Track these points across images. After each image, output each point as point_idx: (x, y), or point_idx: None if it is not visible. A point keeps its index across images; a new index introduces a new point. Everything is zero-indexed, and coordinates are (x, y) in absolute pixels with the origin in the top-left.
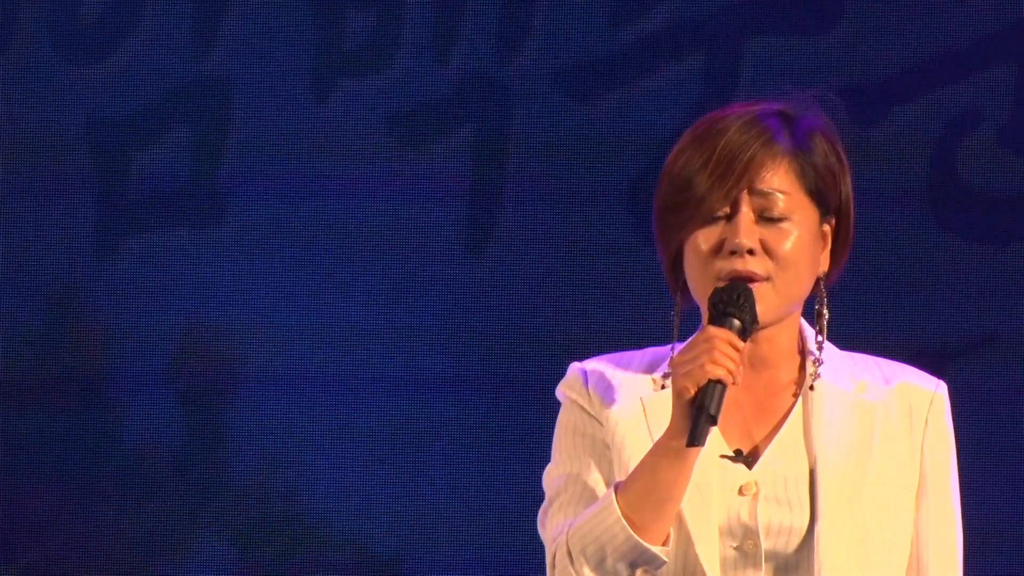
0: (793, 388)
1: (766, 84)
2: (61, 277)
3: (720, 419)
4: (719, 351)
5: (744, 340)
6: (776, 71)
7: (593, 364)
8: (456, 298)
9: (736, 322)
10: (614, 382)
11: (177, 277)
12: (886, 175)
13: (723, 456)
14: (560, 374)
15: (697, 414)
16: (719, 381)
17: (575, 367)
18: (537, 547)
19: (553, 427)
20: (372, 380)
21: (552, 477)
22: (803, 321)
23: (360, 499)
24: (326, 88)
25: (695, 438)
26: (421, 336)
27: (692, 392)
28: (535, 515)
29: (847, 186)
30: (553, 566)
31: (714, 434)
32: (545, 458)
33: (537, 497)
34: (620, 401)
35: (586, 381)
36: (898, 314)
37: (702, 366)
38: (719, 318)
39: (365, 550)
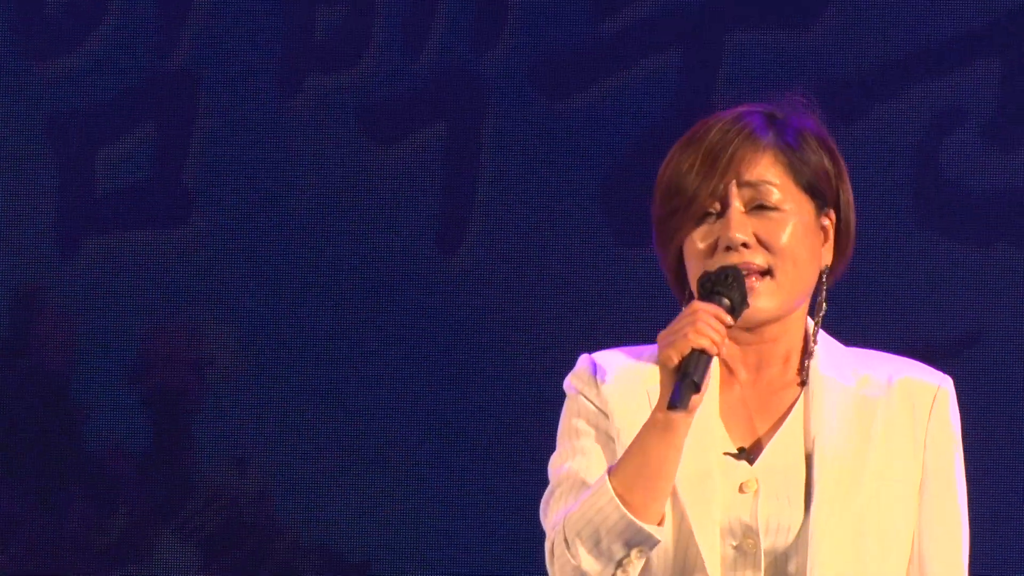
0: (796, 386)
1: (746, 79)
2: (23, 277)
3: (726, 417)
4: (702, 321)
5: (734, 319)
6: (756, 66)
7: (602, 355)
8: (428, 297)
9: (725, 300)
10: (621, 374)
11: (142, 277)
12: (868, 173)
13: (727, 454)
14: (533, 373)
15: (680, 379)
16: (703, 351)
17: (584, 358)
18: (512, 549)
19: (527, 427)
20: (342, 382)
21: (556, 466)
22: (809, 321)
23: (331, 503)
24: (294, 84)
25: (676, 402)
26: (392, 337)
27: (676, 361)
28: (510, 518)
29: (845, 183)
30: (551, 554)
31: (720, 432)
32: (519, 459)
33: (512, 499)
34: (627, 393)
35: (594, 372)
36: (880, 315)
37: (685, 336)
38: (707, 297)
39: (335, 555)
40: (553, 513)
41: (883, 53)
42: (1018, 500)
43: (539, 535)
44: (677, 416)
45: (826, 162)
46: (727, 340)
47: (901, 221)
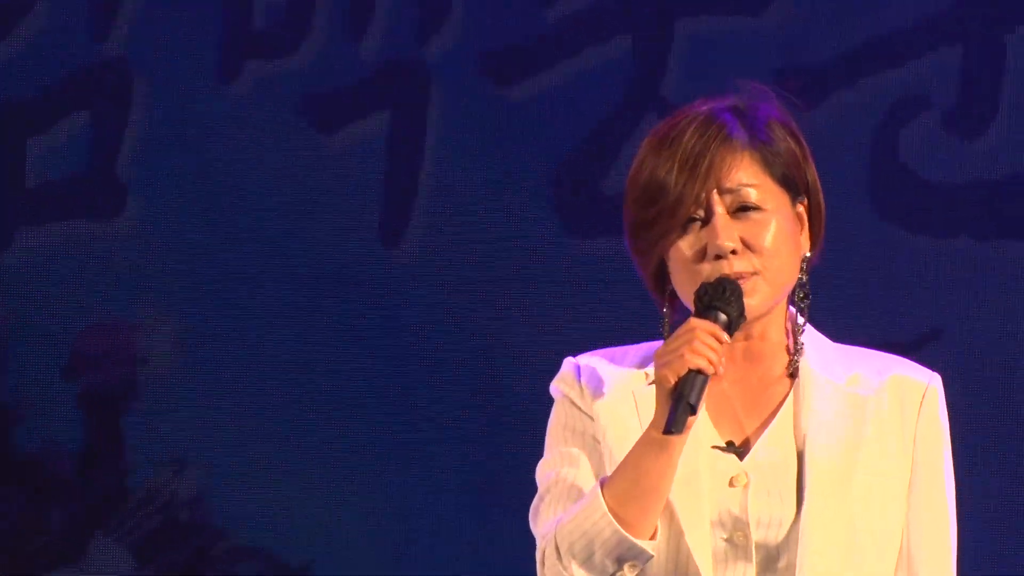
0: (786, 381)
1: (698, 67)
2: None
3: (713, 412)
4: (700, 341)
5: (731, 334)
6: (708, 54)
7: (586, 359)
8: (369, 292)
9: (722, 316)
10: (607, 376)
11: (76, 272)
12: (824, 163)
13: (715, 447)
14: (478, 369)
15: (676, 402)
16: (700, 371)
17: (569, 361)
18: (454, 554)
19: (467, 422)
20: (282, 379)
21: (544, 472)
22: (793, 312)
23: (270, 505)
24: (233, 71)
25: (672, 425)
26: (331, 333)
27: (672, 381)
28: (453, 520)
29: (811, 164)
30: (542, 563)
31: (707, 426)
32: (466, 458)
33: (456, 501)
34: (612, 395)
35: (579, 375)
36: (838, 309)
37: (682, 356)
38: (704, 311)
39: (276, 559)
40: (543, 520)
41: (840, 39)
42: (978, 494)
43: (488, 534)
44: (672, 436)
45: (793, 147)
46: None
47: (859, 213)
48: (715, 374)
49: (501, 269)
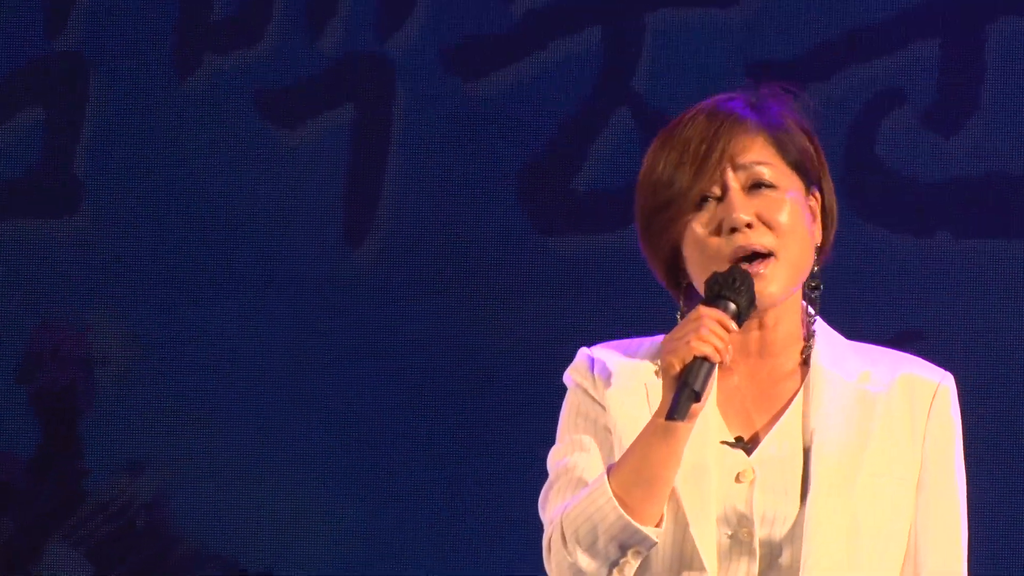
0: (797, 376)
1: (670, 61)
2: None
3: (724, 406)
4: (707, 328)
5: (739, 323)
6: (680, 46)
7: (600, 349)
8: (332, 293)
9: (732, 305)
10: (619, 367)
11: (30, 270)
12: None
13: (723, 442)
14: (443, 376)
15: (680, 389)
16: (706, 358)
17: (583, 352)
18: (417, 559)
19: (431, 425)
20: (240, 380)
21: (555, 460)
22: (805, 304)
23: (229, 509)
24: (191, 64)
25: (674, 412)
26: (293, 335)
27: (677, 368)
28: (416, 526)
29: (825, 167)
30: (549, 549)
31: (717, 420)
32: (433, 462)
33: (422, 505)
34: (624, 386)
35: (592, 366)
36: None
37: (688, 343)
38: (713, 300)
39: (235, 564)
40: (551, 507)
41: (816, 32)
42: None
43: (453, 540)
44: (677, 423)
45: (805, 140)
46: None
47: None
48: (722, 362)
49: (468, 269)
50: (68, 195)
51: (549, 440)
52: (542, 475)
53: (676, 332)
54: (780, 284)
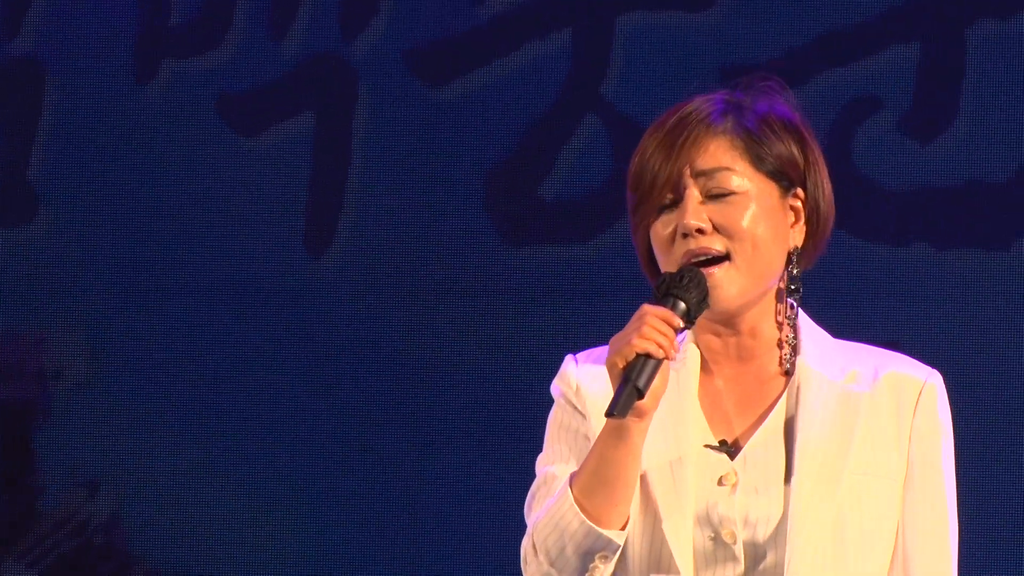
0: (781, 378)
1: (640, 65)
2: None
3: (708, 410)
4: (648, 325)
5: (691, 321)
6: (651, 51)
7: (585, 355)
8: (294, 304)
9: (680, 303)
10: (601, 374)
11: None
12: None
13: (707, 446)
14: (405, 388)
15: (622, 386)
16: (649, 355)
17: (568, 359)
18: (375, 564)
19: (403, 443)
20: (201, 395)
21: (538, 469)
22: (784, 306)
23: (187, 529)
24: (149, 69)
25: (615, 408)
26: (254, 347)
27: (620, 366)
28: (375, 540)
29: (816, 166)
30: (525, 562)
31: (700, 424)
32: (392, 476)
33: (380, 519)
34: (604, 393)
35: (574, 373)
36: None
37: (629, 341)
38: (662, 299)
39: None
40: (533, 515)
41: (789, 36)
42: None
43: (415, 551)
44: (628, 422)
45: (792, 147)
46: (710, 334)
47: None
48: (667, 357)
49: (432, 279)
50: (24, 204)
51: (512, 446)
52: (502, 481)
53: (623, 331)
54: (736, 287)
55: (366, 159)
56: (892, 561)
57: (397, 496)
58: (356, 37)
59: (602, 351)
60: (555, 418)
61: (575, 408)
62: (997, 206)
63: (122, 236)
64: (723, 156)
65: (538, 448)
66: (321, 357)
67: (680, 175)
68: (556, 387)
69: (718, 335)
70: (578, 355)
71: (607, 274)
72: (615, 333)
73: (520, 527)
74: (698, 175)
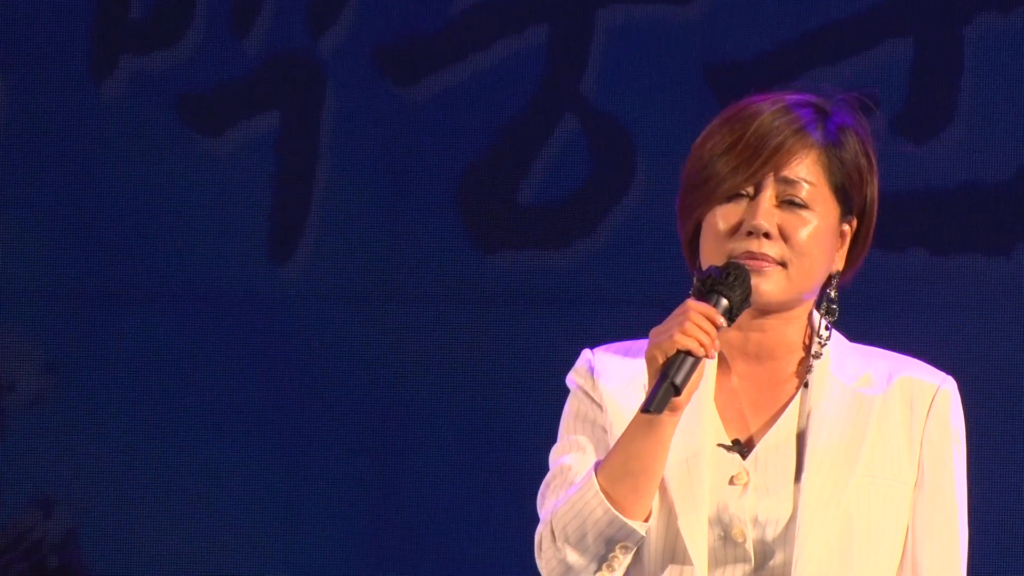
0: (796, 381)
1: (620, 62)
2: None
3: (722, 408)
4: (692, 322)
5: (731, 320)
6: (632, 47)
7: (601, 350)
8: (257, 312)
9: (724, 300)
10: (619, 368)
11: None
12: None
13: (720, 445)
14: (374, 400)
15: (659, 382)
16: (689, 352)
17: (585, 353)
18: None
19: (372, 454)
20: (159, 411)
21: (554, 459)
22: (815, 316)
23: (145, 548)
24: (106, 66)
25: (651, 404)
26: (216, 358)
27: (660, 361)
28: (347, 555)
29: (873, 188)
30: (539, 548)
31: (715, 422)
32: (363, 489)
33: (353, 532)
34: (623, 387)
35: (592, 366)
36: None
37: (671, 336)
38: (705, 295)
39: None
40: (547, 505)
41: (777, 30)
42: None
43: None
44: (662, 416)
45: (861, 160)
46: (733, 329)
47: None
48: (707, 355)
49: (402, 287)
50: None
51: (488, 452)
52: (482, 484)
53: (664, 323)
54: (778, 287)
55: (334, 161)
56: (901, 565)
57: (366, 509)
58: (323, 33)
59: (617, 346)
60: (571, 409)
61: (592, 400)
62: (997, 210)
63: (77, 243)
64: (808, 169)
65: (515, 452)
66: (286, 369)
67: (764, 174)
68: (572, 380)
69: (741, 329)
70: (595, 350)
71: (586, 280)
72: (593, 341)
73: (507, 530)
74: (780, 181)
